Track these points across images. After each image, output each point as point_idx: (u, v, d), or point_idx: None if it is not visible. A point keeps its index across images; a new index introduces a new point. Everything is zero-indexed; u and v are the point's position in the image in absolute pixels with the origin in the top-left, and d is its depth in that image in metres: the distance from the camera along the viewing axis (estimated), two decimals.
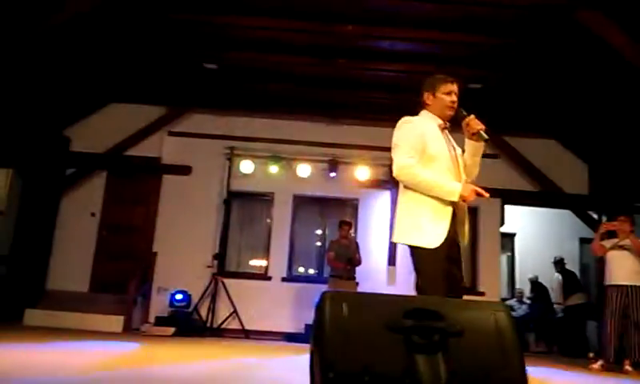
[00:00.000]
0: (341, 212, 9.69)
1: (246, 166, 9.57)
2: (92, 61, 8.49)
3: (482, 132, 2.99)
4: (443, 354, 1.70)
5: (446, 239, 2.89)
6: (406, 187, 3.02)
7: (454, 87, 3.13)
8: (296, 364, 4.80)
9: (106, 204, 9.73)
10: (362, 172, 9.61)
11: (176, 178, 9.72)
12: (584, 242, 10.92)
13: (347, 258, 8.10)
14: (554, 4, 6.65)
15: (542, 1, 6.68)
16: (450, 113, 3.12)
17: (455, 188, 2.92)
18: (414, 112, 3.21)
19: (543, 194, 9.89)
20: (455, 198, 2.91)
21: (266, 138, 9.73)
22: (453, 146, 3.13)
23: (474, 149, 3.09)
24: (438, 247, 2.86)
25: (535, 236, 11.58)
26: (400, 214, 3.04)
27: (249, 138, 9.74)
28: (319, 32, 7.76)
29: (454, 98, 3.11)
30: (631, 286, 6.30)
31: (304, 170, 9.60)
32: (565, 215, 10.55)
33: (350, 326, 1.75)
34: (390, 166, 9.47)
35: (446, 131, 3.14)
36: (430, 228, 2.90)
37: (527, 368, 1.75)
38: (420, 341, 1.71)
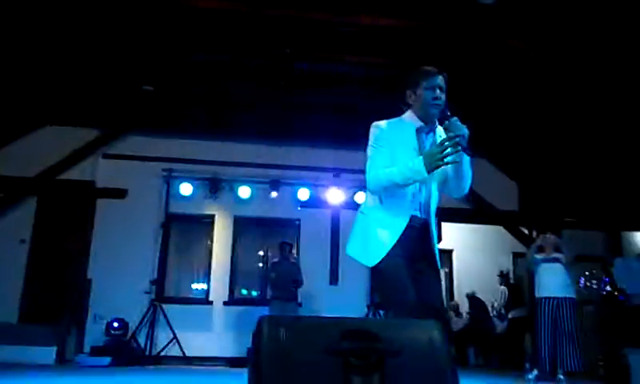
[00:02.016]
0: (282, 233, 9.67)
1: (185, 189, 9.42)
2: (22, 81, 8.16)
3: (461, 140, 2.59)
4: (380, 374, 1.73)
5: (397, 258, 2.60)
6: (366, 197, 2.82)
7: (439, 81, 2.74)
8: None
9: (36, 230, 9.30)
10: (303, 192, 9.66)
11: (111, 202, 9.42)
12: (517, 256, 11.33)
13: (291, 279, 8.07)
14: (478, 28, 6.98)
15: (473, 27, 6.99)
16: (434, 111, 2.72)
17: (417, 162, 2.55)
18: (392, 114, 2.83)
19: (477, 211, 10.24)
20: (425, 173, 2.53)
21: (205, 159, 9.61)
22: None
23: (453, 160, 2.64)
24: (380, 264, 2.59)
25: (471, 252, 11.91)
26: (354, 226, 2.81)
27: (187, 160, 9.59)
28: (258, 55, 7.81)
29: (438, 93, 2.72)
30: (562, 297, 6.58)
31: (244, 191, 9.55)
32: (498, 231, 10.94)
33: (288, 351, 1.75)
34: (330, 186, 9.66)
35: (432, 134, 2.78)
36: (373, 243, 2.64)
37: (463, 382, 1.80)
38: (357, 362, 1.73)
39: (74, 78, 8.46)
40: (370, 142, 2.74)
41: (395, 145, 2.70)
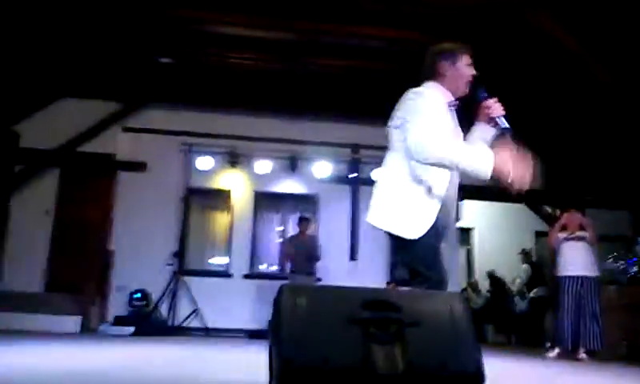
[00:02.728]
0: (301, 208, 9.68)
1: (205, 163, 9.46)
2: (43, 54, 8.22)
3: (503, 118, 2.65)
4: (400, 344, 1.72)
5: (432, 230, 2.53)
6: (395, 166, 2.62)
7: (471, 59, 2.73)
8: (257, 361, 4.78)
9: (59, 201, 9.43)
10: (322, 168, 9.63)
11: (132, 175, 9.51)
12: (539, 235, 11.23)
13: (307, 253, 8.11)
14: (504, 3, 6.82)
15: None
16: (465, 88, 2.70)
17: (489, 159, 2.45)
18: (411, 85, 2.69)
19: (499, 189, 10.09)
20: (488, 174, 2.46)
21: (225, 134, 9.62)
22: (458, 129, 2.71)
23: (485, 135, 2.71)
24: (420, 238, 2.50)
25: (492, 230, 11.84)
26: (386, 196, 2.62)
27: (207, 134, 9.61)
28: (279, 27, 7.74)
29: (473, 70, 2.70)
30: (585, 276, 6.50)
31: (264, 166, 9.56)
32: (520, 209, 10.83)
33: (308, 319, 1.75)
34: (349, 162, 9.63)
35: (453, 110, 2.72)
36: (415, 216, 2.53)
37: (483, 357, 1.78)
38: (377, 332, 1.72)
39: (93, 50, 8.48)
40: (414, 109, 2.52)
41: (439, 117, 2.56)
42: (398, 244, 2.58)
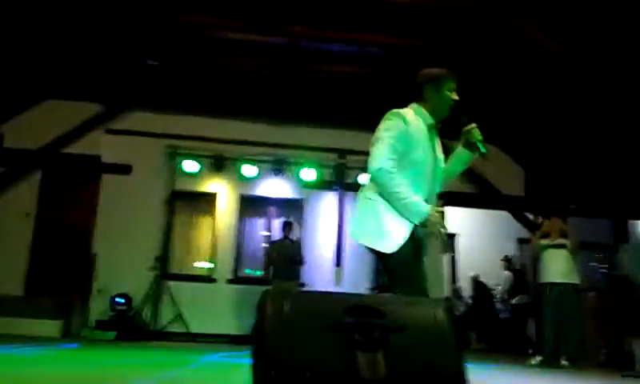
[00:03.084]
0: (287, 212, 9.68)
1: (190, 166, 9.42)
2: (28, 55, 8.14)
3: (480, 144, 2.83)
4: (384, 350, 1.72)
5: (409, 243, 2.66)
6: (370, 185, 2.75)
7: (455, 85, 2.89)
8: (239, 366, 4.76)
9: (41, 204, 9.34)
10: (308, 173, 9.64)
11: (116, 178, 9.45)
12: (521, 242, 11.32)
13: (290, 258, 8.09)
14: (493, 13, 6.90)
15: (481, 8, 6.91)
16: (448, 113, 2.87)
17: (422, 211, 2.65)
18: (396, 105, 2.85)
19: (482, 196, 10.22)
20: (417, 222, 2.66)
21: (210, 137, 9.59)
22: (437, 151, 2.88)
23: (466, 158, 2.94)
24: (397, 251, 2.63)
25: (476, 237, 11.90)
26: (362, 211, 2.76)
27: (192, 137, 9.57)
28: (266, 31, 7.76)
29: (456, 96, 2.87)
30: (566, 283, 6.57)
31: (249, 170, 9.54)
32: (503, 216, 10.92)
33: (292, 324, 1.75)
34: (335, 167, 9.65)
35: (434, 133, 2.88)
36: (391, 230, 2.65)
37: (467, 363, 1.79)
38: (360, 338, 1.73)
39: (78, 51, 8.41)
40: (383, 127, 2.73)
41: (414, 140, 2.72)
42: (377, 255, 2.69)
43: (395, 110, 2.78)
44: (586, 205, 10.00)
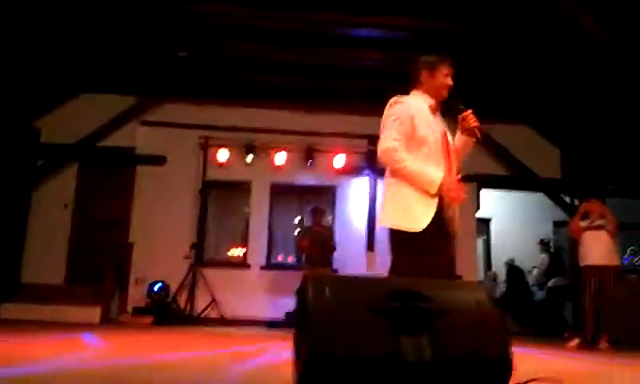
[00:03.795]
0: (318, 199, 9.67)
1: (222, 155, 9.50)
2: (61, 50, 8.29)
3: (476, 130, 2.95)
4: (428, 334, 1.71)
5: (433, 224, 2.76)
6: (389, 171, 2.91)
7: (451, 70, 3.05)
8: (277, 351, 4.80)
9: (78, 195, 9.56)
10: (339, 159, 9.62)
11: (151, 169, 9.59)
12: (557, 225, 11.12)
13: (322, 245, 8.08)
14: None
15: None
16: (445, 95, 3.02)
17: (436, 179, 2.75)
18: (400, 93, 3.05)
19: (517, 179, 10.04)
20: (433, 190, 2.74)
21: (241, 126, 9.64)
22: (444, 129, 3.01)
23: (464, 144, 3.05)
24: (422, 231, 2.73)
25: (510, 220, 11.74)
26: (386, 196, 2.92)
27: (224, 127, 9.64)
28: (296, 19, 7.73)
29: (450, 80, 3.02)
30: (605, 266, 6.44)
31: (281, 158, 9.57)
32: (538, 199, 10.73)
33: (334, 309, 1.75)
34: (366, 153, 9.60)
35: (438, 113, 3.05)
36: (415, 210, 2.76)
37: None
38: (405, 322, 1.72)
39: (110, 44, 8.52)
40: (388, 114, 2.90)
41: (417, 119, 2.87)
42: (399, 237, 2.82)
43: (396, 96, 2.96)
44: (624, 185, 9.73)
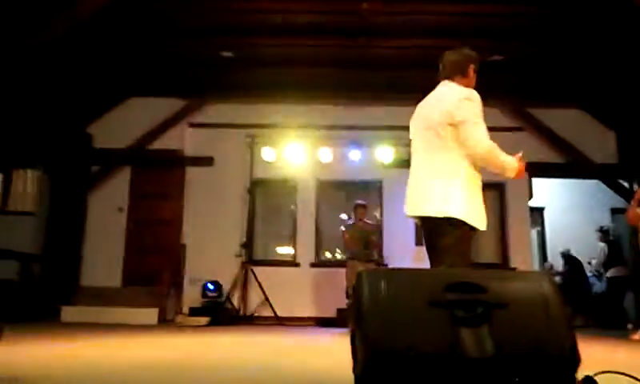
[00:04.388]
0: (365, 194, 9.61)
1: (268, 154, 9.56)
2: (109, 56, 8.56)
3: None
4: (488, 326, 1.66)
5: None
6: (457, 160, 2.88)
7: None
8: (331, 348, 4.79)
9: (132, 198, 9.83)
10: (385, 153, 9.52)
11: (199, 170, 9.77)
12: (615, 212, 10.67)
13: (364, 240, 8.02)
14: None
15: None
16: None
17: (515, 164, 3.00)
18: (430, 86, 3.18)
19: (571, 165, 9.70)
20: (513, 175, 2.99)
21: (286, 123, 9.69)
22: None
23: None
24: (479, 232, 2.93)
25: (565, 209, 11.36)
26: (456, 188, 2.86)
27: (269, 125, 9.71)
28: (336, 11, 7.69)
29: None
30: None
31: (326, 154, 9.55)
32: (594, 186, 10.34)
33: (391, 303, 1.72)
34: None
35: None
36: (484, 212, 2.94)
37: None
38: (464, 314, 1.67)
39: (155, 48, 8.70)
40: (476, 111, 2.90)
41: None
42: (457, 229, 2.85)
43: (466, 91, 2.95)
44: None
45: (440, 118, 2.90)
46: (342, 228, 8.45)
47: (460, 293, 1.73)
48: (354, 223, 8.26)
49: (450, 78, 3.08)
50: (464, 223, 2.82)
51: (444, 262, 2.79)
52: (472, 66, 3.10)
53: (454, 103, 2.88)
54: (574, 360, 1.64)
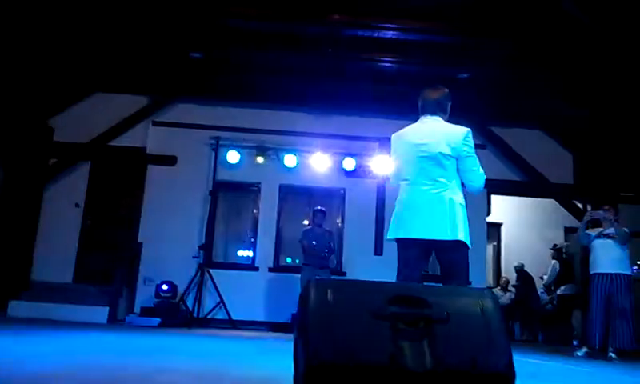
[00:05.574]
0: (327, 202, 9.65)
1: (232, 157, 9.50)
2: (76, 49, 8.36)
3: None
4: (429, 340, 1.68)
5: None
6: (459, 187, 3.23)
7: None
8: (281, 354, 4.78)
9: (90, 194, 9.62)
10: (349, 162, 9.59)
11: (161, 168, 9.62)
12: (569, 231, 10.99)
13: (325, 246, 8.03)
14: None
15: None
16: None
17: None
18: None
19: (529, 184, 9.96)
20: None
21: (252, 128, 9.65)
22: None
23: None
24: None
25: (521, 225, 11.65)
26: (459, 215, 3.16)
27: (235, 128, 9.66)
28: (306, 21, 7.72)
29: None
30: (615, 274, 6.35)
31: (290, 159, 9.56)
32: (550, 205, 10.64)
33: (335, 314, 1.73)
34: (375, 156, 9.56)
35: None
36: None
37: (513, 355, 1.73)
38: (405, 327, 1.69)
39: (124, 45, 8.56)
40: (472, 145, 3.25)
41: None
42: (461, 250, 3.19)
43: (466, 128, 3.26)
44: (637, 192, 9.61)
45: (446, 150, 3.16)
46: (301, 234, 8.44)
47: (404, 306, 1.76)
48: (312, 228, 8.29)
49: (435, 114, 3.33)
50: (466, 245, 3.18)
51: (456, 279, 3.15)
52: (449, 105, 3.39)
53: (460, 139, 3.18)
54: (510, 376, 1.68)
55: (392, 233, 3.34)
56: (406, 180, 3.29)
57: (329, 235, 8.30)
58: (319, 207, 8.54)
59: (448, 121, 3.37)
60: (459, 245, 3.14)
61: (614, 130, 8.89)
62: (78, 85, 9.49)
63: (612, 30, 6.68)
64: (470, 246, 3.20)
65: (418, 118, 3.41)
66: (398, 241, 3.35)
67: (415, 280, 3.21)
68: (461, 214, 3.17)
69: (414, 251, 3.24)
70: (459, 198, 3.20)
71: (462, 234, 3.12)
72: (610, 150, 9.33)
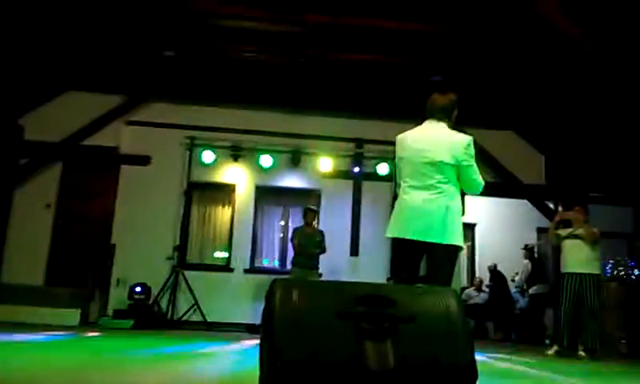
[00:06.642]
0: (304, 202, 9.64)
1: (207, 157, 9.44)
2: (47, 47, 8.22)
3: None
4: (392, 339, 1.69)
5: None
6: (458, 192, 3.33)
7: None
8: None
9: (61, 195, 9.46)
10: (325, 163, 9.60)
11: (134, 169, 9.51)
12: (541, 231, 11.15)
13: (314, 246, 7.95)
14: None
15: None
16: None
17: None
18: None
19: (502, 185, 10.09)
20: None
21: (227, 127, 9.60)
22: None
23: None
24: None
25: (494, 226, 11.76)
26: (455, 219, 3.26)
27: (209, 128, 9.60)
28: (281, 20, 7.71)
29: None
30: (585, 274, 6.46)
31: (266, 160, 9.53)
32: (523, 205, 10.77)
33: (300, 314, 1.73)
34: (352, 157, 9.59)
35: None
36: None
37: (484, 354, 1.75)
38: (369, 327, 1.70)
39: (97, 43, 8.45)
40: (472, 155, 3.37)
41: None
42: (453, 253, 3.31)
43: (470, 136, 3.37)
44: (607, 193, 9.81)
45: (447, 159, 3.28)
46: (281, 235, 8.39)
47: (369, 306, 1.76)
48: (302, 227, 8.13)
49: (440, 120, 3.43)
50: (457, 251, 3.32)
51: (439, 282, 3.21)
52: (456, 111, 3.49)
53: (461, 148, 3.31)
54: (472, 374, 1.70)
55: (389, 231, 3.37)
56: (407, 182, 3.38)
57: (320, 235, 8.17)
58: (311, 206, 8.47)
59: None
60: (451, 250, 3.25)
61: (584, 131, 9.05)
62: (50, 83, 9.33)
63: (586, 34, 6.79)
64: (463, 248, 3.34)
65: (425, 119, 3.51)
66: (394, 240, 3.39)
67: (406, 279, 3.28)
68: (456, 220, 3.27)
69: (407, 251, 3.31)
70: (456, 203, 3.29)
71: (456, 239, 3.24)
72: (580, 151, 9.51)
